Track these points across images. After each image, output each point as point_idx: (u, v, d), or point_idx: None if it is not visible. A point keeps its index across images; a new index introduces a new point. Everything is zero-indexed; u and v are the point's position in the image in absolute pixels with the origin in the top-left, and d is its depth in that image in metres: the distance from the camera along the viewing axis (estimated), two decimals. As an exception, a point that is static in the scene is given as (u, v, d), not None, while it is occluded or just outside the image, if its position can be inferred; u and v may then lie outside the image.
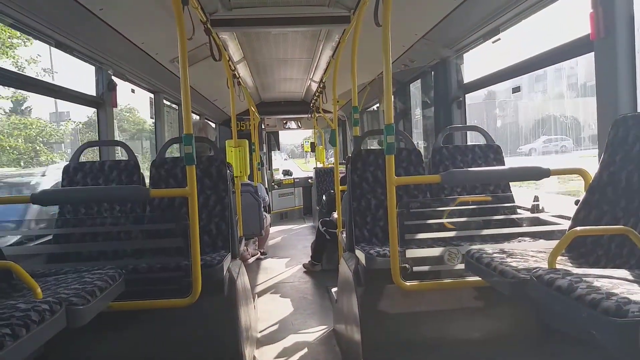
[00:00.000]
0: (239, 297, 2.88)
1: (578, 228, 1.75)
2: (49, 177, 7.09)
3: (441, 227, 2.86)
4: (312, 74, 7.00)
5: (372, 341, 2.66)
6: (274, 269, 6.15)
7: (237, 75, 5.71)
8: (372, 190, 3.29)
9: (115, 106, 4.15)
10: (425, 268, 2.53)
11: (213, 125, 9.03)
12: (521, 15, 3.32)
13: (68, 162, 3.31)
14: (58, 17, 3.02)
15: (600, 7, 2.39)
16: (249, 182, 5.85)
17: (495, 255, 1.96)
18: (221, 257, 2.77)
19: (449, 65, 4.53)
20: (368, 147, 5.90)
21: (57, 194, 2.69)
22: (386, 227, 2.62)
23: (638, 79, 2.38)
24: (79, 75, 4.85)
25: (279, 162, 18.28)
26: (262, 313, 4.33)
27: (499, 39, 3.65)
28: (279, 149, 13.70)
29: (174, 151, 4.86)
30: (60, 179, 3.24)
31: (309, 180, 10.81)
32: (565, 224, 2.42)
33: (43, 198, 2.36)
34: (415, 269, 2.50)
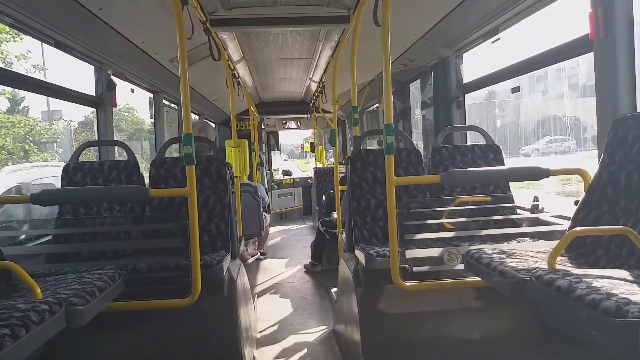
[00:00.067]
0: (239, 297, 2.88)
1: (577, 228, 1.75)
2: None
3: (441, 228, 2.85)
4: (311, 73, 7.00)
5: (371, 341, 2.66)
6: (273, 269, 6.15)
7: (237, 75, 5.71)
8: (371, 191, 3.29)
9: (115, 106, 4.15)
10: (425, 268, 2.53)
11: (212, 125, 9.02)
12: (520, 15, 3.32)
13: (67, 162, 3.31)
14: (58, 17, 3.02)
15: (600, 7, 2.39)
16: (248, 182, 5.85)
17: (494, 255, 1.96)
18: (221, 257, 2.77)
19: (449, 65, 4.53)
20: (367, 147, 5.90)
21: (57, 194, 2.69)
22: (386, 227, 2.62)
23: (637, 79, 2.38)
24: (73, 71, 4.86)
25: (279, 162, 18.27)
26: (261, 313, 4.33)
27: (499, 39, 3.65)
28: (278, 149, 13.70)
29: (172, 151, 4.86)
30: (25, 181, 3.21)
31: (309, 180, 10.81)
32: (565, 225, 2.42)
33: (42, 198, 2.36)
34: (414, 269, 2.50)
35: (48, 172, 7.15)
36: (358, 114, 3.81)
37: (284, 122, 11.53)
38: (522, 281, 1.66)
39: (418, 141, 5.52)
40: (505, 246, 2.48)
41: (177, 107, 6.17)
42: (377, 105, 7.87)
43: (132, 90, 4.80)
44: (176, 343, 2.69)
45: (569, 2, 3.12)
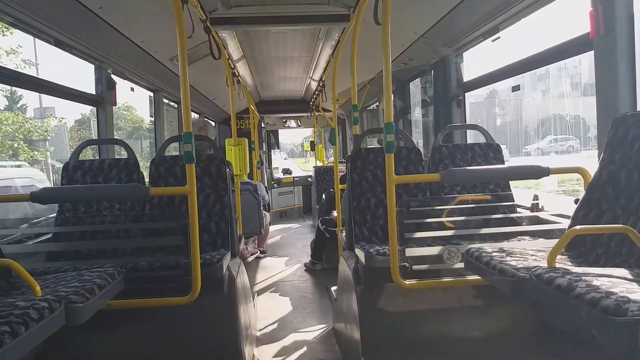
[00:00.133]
0: (239, 295, 2.88)
1: (577, 227, 1.75)
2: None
3: (441, 226, 2.86)
4: (311, 72, 7.00)
5: (371, 340, 2.66)
6: (273, 268, 6.15)
7: (237, 74, 5.71)
8: (371, 189, 3.29)
9: (115, 104, 4.15)
10: (425, 267, 2.53)
11: (213, 123, 9.02)
12: (521, 13, 3.32)
13: (68, 160, 3.31)
14: (58, 16, 3.02)
15: (600, 5, 2.39)
16: (248, 180, 5.85)
17: (494, 254, 1.97)
18: (221, 255, 2.77)
19: (449, 63, 4.53)
20: (368, 146, 5.90)
21: (57, 192, 2.69)
22: (386, 226, 2.62)
23: (638, 78, 2.38)
24: (73, 70, 4.85)
25: (279, 161, 18.27)
26: (261, 311, 4.33)
27: (499, 38, 3.65)
28: (278, 148, 13.71)
29: (171, 150, 4.86)
30: None
31: (309, 179, 10.81)
32: (565, 223, 2.42)
33: (42, 196, 2.36)
34: (414, 267, 2.50)
35: (17, 174, 6.57)
36: (358, 113, 3.81)
37: (284, 120, 11.53)
38: (522, 280, 1.67)
39: (418, 140, 5.53)
40: (505, 245, 2.48)
41: (177, 106, 6.17)
42: (377, 103, 7.87)
43: (132, 89, 4.80)
44: (176, 341, 2.69)
45: (569, 1, 3.12)
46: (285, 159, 34.46)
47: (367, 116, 8.55)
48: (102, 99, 4.06)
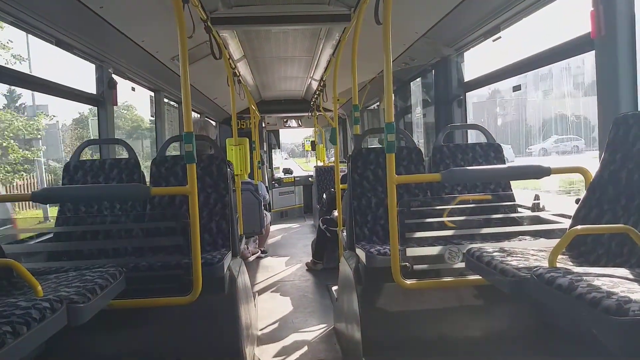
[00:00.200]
0: (240, 295, 2.88)
1: (579, 227, 1.75)
2: None
3: (442, 226, 2.85)
4: (312, 72, 7.00)
5: (372, 339, 2.66)
6: (274, 267, 6.15)
7: (238, 74, 5.71)
8: (372, 189, 3.30)
9: (116, 104, 4.15)
10: (426, 266, 2.53)
11: (213, 123, 9.03)
12: (522, 13, 3.32)
13: (69, 160, 3.31)
14: (58, 15, 3.02)
15: (601, 5, 2.39)
16: (249, 180, 5.85)
17: (495, 253, 1.97)
18: (222, 255, 2.78)
19: (450, 63, 4.53)
20: (368, 146, 5.90)
21: (58, 192, 2.69)
22: (387, 226, 2.62)
23: (639, 78, 2.38)
24: (73, 69, 4.84)
25: (279, 161, 18.27)
26: (262, 311, 4.34)
27: (500, 38, 3.65)
28: (279, 148, 13.71)
29: (172, 150, 4.86)
30: None
31: (310, 179, 10.81)
32: (566, 223, 2.42)
33: (44, 196, 2.36)
34: (415, 267, 2.50)
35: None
36: (359, 113, 3.81)
37: (284, 120, 11.53)
38: (523, 279, 1.67)
39: (419, 139, 5.53)
40: (506, 244, 2.48)
41: (177, 106, 6.18)
42: (378, 103, 7.87)
43: (133, 89, 4.80)
44: (177, 341, 2.69)
45: (570, 1, 3.12)
46: (286, 158, 34.49)
47: (367, 116, 8.55)
48: (103, 99, 4.06)
